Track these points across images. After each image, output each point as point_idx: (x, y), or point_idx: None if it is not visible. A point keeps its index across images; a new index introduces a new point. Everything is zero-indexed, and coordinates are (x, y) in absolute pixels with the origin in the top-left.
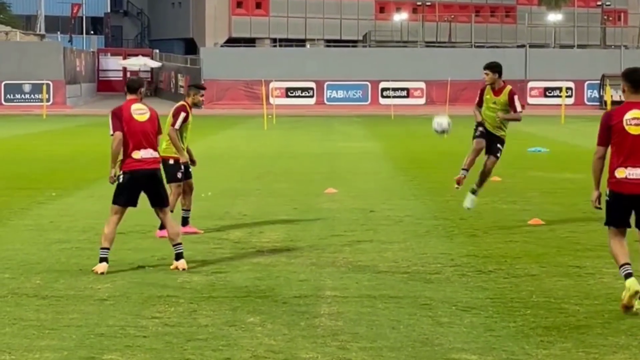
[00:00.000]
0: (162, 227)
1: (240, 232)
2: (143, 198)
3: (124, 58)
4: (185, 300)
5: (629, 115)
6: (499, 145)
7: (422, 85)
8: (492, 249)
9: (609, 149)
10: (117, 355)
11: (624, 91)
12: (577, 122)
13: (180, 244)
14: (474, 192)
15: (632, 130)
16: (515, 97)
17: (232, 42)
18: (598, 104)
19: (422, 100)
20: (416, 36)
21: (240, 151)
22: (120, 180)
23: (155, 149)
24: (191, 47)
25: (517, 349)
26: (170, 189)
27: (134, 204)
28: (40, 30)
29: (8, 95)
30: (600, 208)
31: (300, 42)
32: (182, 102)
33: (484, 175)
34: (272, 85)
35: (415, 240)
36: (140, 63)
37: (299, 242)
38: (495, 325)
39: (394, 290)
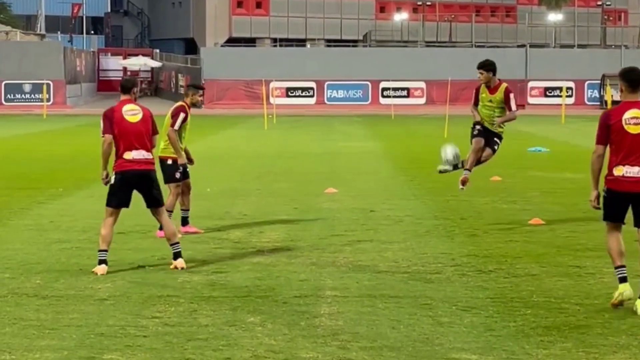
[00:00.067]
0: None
1: (240, 232)
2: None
3: (124, 58)
4: (186, 300)
5: (627, 114)
6: (496, 139)
7: (423, 85)
8: (492, 249)
9: (607, 148)
10: (117, 355)
11: (621, 91)
12: (578, 122)
13: (177, 243)
14: (456, 167)
15: (631, 129)
16: (511, 96)
17: (232, 42)
18: (598, 103)
19: (423, 100)
20: (416, 36)
21: (240, 151)
22: (112, 181)
23: (148, 150)
24: (191, 47)
25: (518, 349)
26: (169, 189)
27: (127, 205)
28: (40, 30)
29: (8, 95)
30: (599, 208)
31: (301, 42)
32: (181, 103)
33: (478, 162)
34: (272, 85)
35: (415, 240)
36: (141, 63)
37: (299, 242)
38: (496, 325)
39: (394, 290)
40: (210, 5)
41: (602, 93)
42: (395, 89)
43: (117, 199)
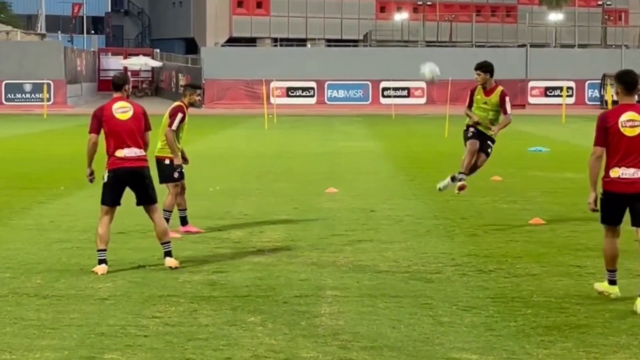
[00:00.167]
0: None
1: (240, 231)
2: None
3: (125, 57)
4: (186, 300)
5: (624, 117)
6: (489, 142)
7: (423, 84)
8: (492, 249)
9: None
10: (117, 354)
11: (617, 93)
12: (578, 122)
13: (168, 242)
14: (453, 179)
15: (627, 132)
16: (507, 99)
17: (232, 41)
18: (599, 103)
19: (423, 100)
20: (417, 36)
21: (240, 151)
22: (105, 179)
23: (140, 147)
24: (192, 46)
25: (518, 349)
26: (168, 189)
27: (119, 202)
28: (41, 30)
29: (9, 95)
30: (597, 210)
31: (301, 42)
32: (178, 103)
33: (474, 169)
34: (272, 84)
35: (415, 239)
36: (141, 62)
37: (300, 242)
38: (496, 324)
39: (395, 290)
40: (210, 5)
41: (602, 93)
42: (395, 89)
43: (111, 197)
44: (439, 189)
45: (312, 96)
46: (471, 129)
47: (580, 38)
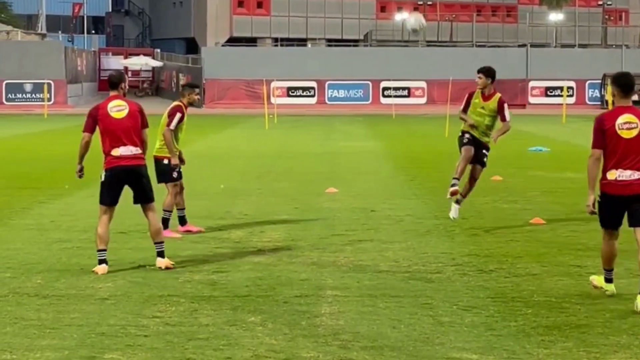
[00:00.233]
0: (164, 227)
1: (241, 231)
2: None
3: (126, 57)
4: (186, 300)
5: (620, 119)
6: (484, 152)
7: (423, 84)
8: (493, 248)
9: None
10: (118, 354)
11: (613, 95)
12: (579, 122)
13: (161, 242)
14: (458, 202)
15: (625, 134)
16: (505, 106)
17: (233, 41)
18: (599, 103)
19: (423, 100)
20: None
21: (241, 151)
22: (103, 178)
23: (136, 145)
24: (192, 46)
25: (518, 348)
26: (167, 189)
27: (117, 201)
28: (41, 30)
29: (9, 95)
30: (595, 213)
31: (302, 42)
32: (177, 102)
33: (472, 184)
34: (273, 84)
35: (416, 239)
36: (142, 62)
37: (300, 242)
38: (496, 324)
39: (395, 290)
40: (211, 4)
41: (602, 93)
42: (396, 89)
43: (109, 196)
44: (453, 218)
45: (313, 96)
46: (466, 135)
47: (580, 38)
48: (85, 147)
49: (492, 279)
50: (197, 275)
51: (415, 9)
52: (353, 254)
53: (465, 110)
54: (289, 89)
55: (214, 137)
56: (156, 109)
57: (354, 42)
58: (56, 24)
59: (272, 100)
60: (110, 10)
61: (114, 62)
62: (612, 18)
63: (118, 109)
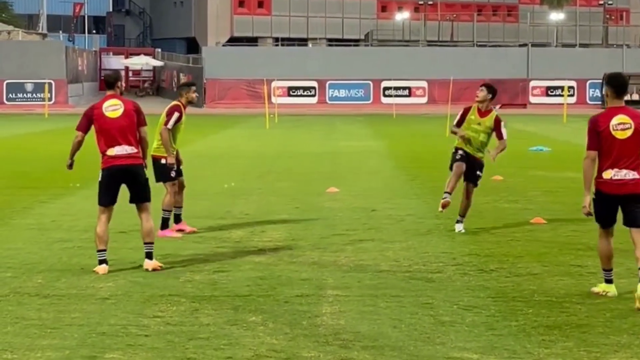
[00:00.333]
0: (164, 226)
1: (241, 231)
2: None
3: (126, 57)
4: (187, 300)
5: (615, 120)
6: (478, 173)
7: (424, 84)
8: (493, 248)
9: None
10: (118, 354)
11: (607, 96)
12: (579, 121)
13: (151, 243)
14: (459, 221)
15: (619, 135)
16: (502, 124)
17: (234, 41)
18: (600, 103)
19: (424, 100)
20: (418, 35)
21: (241, 150)
22: (100, 178)
23: (132, 145)
24: (193, 46)
25: (519, 348)
26: (165, 188)
27: (114, 201)
28: (42, 30)
29: (10, 95)
30: (591, 214)
31: (302, 41)
32: (176, 102)
33: (467, 204)
34: (274, 84)
35: (416, 239)
36: (143, 62)
37: (301, 241)
38: (497, 324)
39: (396, 289)
40: (212, 4)
41: (603, 92)
42: (396, 88)
43: (106, 196)
44: (460, 231)
45: (314, 96)
46: (459, 152)
47: (581, 38)
48: (77, 145)
49: (493, 279)
50: (197, 275)
51: (416, 8)
52: (354, 253)
53: (458, 125)
54: (290, 88)
55: (215, 137)
56: (157, 108)
57: (355, 42)
58: (57, 23)
59: (273, 100)
60: (111, 10)
61: (115, 62)
62: (613, 18)
63: (113, 108)
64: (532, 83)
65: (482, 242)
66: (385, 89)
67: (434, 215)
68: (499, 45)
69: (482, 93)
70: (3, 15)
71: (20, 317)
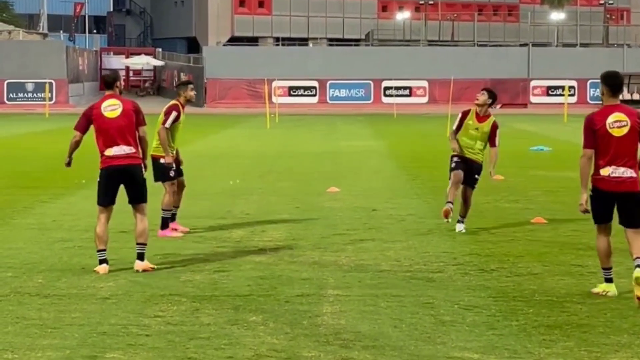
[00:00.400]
0: (164, 226)
1: (242, 231)
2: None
3: (127, 57)
4: (188, 299)
5: (611, 118)
6: (476, 176)
7: (425, 84)
8: (494, 248)
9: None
10: (119, 353)
11: (602, 94)
12: (580, 121)
13: (143, 244)
14: (460, 221)
15: (615, 132)
16: (497, 132)
17: (234, 41)
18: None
19: (425, 99)
20: (419, 35)
21: (242, 150)
22: (99, 178)
23: (130, 145)
24: (194, 46)
25: (520, 348)
26: (164, 187)
27: (113, 201)
28: (43, 29)
29: (11, 94)
30: (588, 212)
31: (303, 41)
32: (174, 102)
33: (466, 206)
34: (274, 84)
35: (417, 239)
36: (143, 62)
37: (301, 241)
38: (498, 323)
39: (397, 289)
40: (212, 4)
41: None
42: (397, 88)
43: (105, 196)
44: (461, 231)
45: (314, 95)
46: (455, 159)
47: (582, 37)
48: (75, 145)
49: (494, 279)
50: (198, 274)
51: (417, 8)
52: (354, 253)
53: (457, 129)
54: (291, 88)
55: (215, 137)
56: (157, 108)
57: (356, 42)
58: (58, 23)
59: (274, 99)
60: (111, 9)
61: (116, 62)
62: (613, 17)
63: (112, 108)
64: (533, 83)
65: (482, 241)
66: (386, 88)
67: (435, 215)
68: (500, 45)
69: (482, 97)
70: (4, 15)
71: (20, 317)
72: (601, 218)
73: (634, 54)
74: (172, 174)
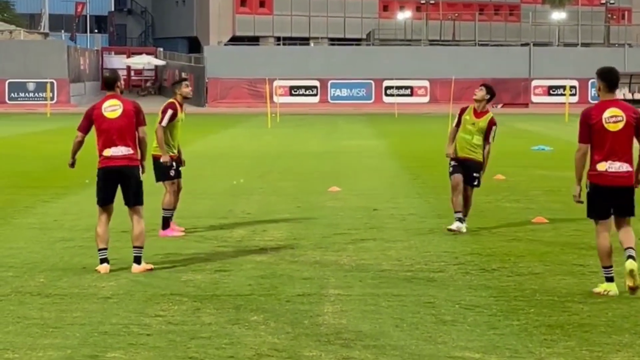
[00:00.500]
0: (165, 226)
1: (243, 230)
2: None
3: (128, 56)
4: (189, 299)
5: (607, 113)
6: (474, 174)
7: (426, 83)
8: (495, 247)
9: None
10: (120, 353)
11: (599, 89)
12: None
13: (140, 247)
14: (461, 220)
15: (611, 127)
16: (494, 128)
17: (235, 40)
18: None
19: (426, 99)
20: (420, 34)
21: (243, 150)
22: (97, 179)
23: (129, 146)
24: (195, 45)
25: (521, 347)
26: (165, 187)
27: (111, 201)
28: (44, 29)
29: (12, 94)
30: (582, 202)
31: (304, 41)
32: (171, 100)
33: (467, 203)
34: (275, 83)
35: (418, 238)
36: (144, 61)
37: (303, 241)
38: (499, 323)
39: (398, 289)
40: (213, 3)
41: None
42: (398, 88)
43: (102, 197)
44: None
45: (315, 95)
46: (452, 163)
47: (583, 37)
48: (78, 145)
49: (495, 278)
50: (199, 274)
51: (418, 8)
52: (355, 252)
53: (457, 126)
54: (292, 88)
55: (216, 136)
56: (158, 108)
57: (357, 41)
58: (59, 23)
59: (275, 99)
60: (112, 9)
61: (117, 61)
62: (614, 17)
63: (112, 108)
64: (534, 82)
65: (483, 241)
66: (387, 88)
67: (436, 215)
68: (501, 45)
69: (480, 92)
70: (5, 14)
71: (22, 317)
72: (601, 214)
73: (635, 54)
74: (172, 173)
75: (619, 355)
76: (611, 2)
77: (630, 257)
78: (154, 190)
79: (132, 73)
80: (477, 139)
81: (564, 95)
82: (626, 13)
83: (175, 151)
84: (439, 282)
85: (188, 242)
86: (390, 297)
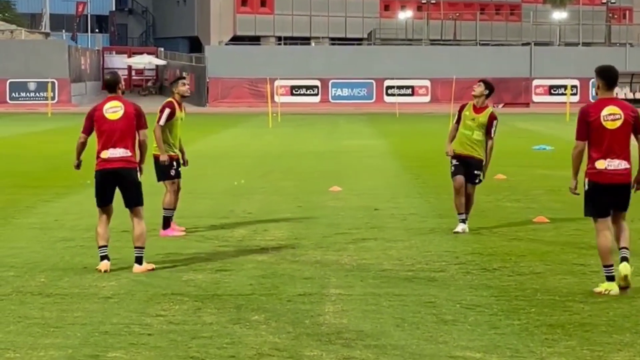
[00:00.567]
0: (166, 226)
1: (244, 230)
2: (147, 195)
3: (129, 56)
4: (190, 298)
5: (605, 111)
6: (475, 172)
7: (427, 83)
8: (496, 247)
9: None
10: (121, 353)
11: (598, 87)
12: None
13: (141, 248)
14: (463, 221)
15: (609, 125)
16: (495, 122)
17: (236, 40)
18: None
19: (427, 98)
20: (421, 34)
21: (244, 149)
22: (95, 181)
23: (127, 148)
24: (196, 45)
25: (522, 347)
26: (165, 187)
27: (109, 202)
28: (45, 29)
29: (13, 94)
30: (578, 194)
31: (305, 40)
32: (169, 99)
33: (469, 201)
34: (277, 83)
35: (419, 238)
36: (145, 61)
37: (304, 240)
38: (500, 323)
39: (399, 288)
40: (214, 3)
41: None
42: (399, 87)
43: (100, 198)
44: (461, 232)
45: (316, 95)
46: (453, 162)
47: (584, 36)
48: (81, 146)
49: (496, 278)
50: (200, 274)
51: (419, 7)
52: (356, 252)
53: (458, 122)
54: (293, 87)
55: (218, 136)
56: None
57: (358, 41)
58: (60, 23)
59: (276, 99)
60: (113, 9)
61: (118, 61)
62: (615, 16)
63: (113, 110)
64: (535, 82)
65: (484, 241)
66: (388, 88)
67: (437, 214)
68: (502, 44)
69: (479, 88)
70: (6, 14)
71: (22, 316)
72: (601, 212)
73: (636, 53)
74: (172, 172)
75: (620, 354)
76: (612, 1)
77: (624, 258)
78: (154, 190)
79: (133, 73)
80: (478, 135)
81: (565, 94)
82: (627, 12)
83: (177, 150)
84: (440, 282)
85: (189, 242)
86: (391, 297)
